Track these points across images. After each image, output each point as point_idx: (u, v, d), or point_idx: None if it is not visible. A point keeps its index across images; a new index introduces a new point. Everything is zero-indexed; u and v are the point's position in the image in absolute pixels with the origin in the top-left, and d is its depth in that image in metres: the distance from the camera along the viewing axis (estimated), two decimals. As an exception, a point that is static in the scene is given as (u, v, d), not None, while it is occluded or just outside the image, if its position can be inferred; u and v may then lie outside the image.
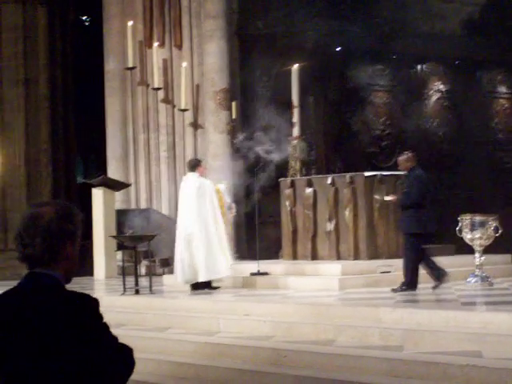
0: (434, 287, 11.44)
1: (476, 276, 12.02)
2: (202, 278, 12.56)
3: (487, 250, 12.30)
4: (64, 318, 2.86)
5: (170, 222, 16.52)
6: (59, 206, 3.04)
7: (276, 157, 15.01)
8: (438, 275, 11.44)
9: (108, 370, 2.93)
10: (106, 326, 2.97)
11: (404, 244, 11.83)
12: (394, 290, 11.35)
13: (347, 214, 13.72)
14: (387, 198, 12.59)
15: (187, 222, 12.63)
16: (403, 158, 11.91)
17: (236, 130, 18.06)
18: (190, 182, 12.77)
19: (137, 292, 12.76)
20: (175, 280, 12.93)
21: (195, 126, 18.73)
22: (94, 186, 17.42)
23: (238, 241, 17.62)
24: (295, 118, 15.48)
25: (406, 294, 11.17)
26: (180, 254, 12.68)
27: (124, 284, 12.86)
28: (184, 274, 12.62)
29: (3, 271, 17.23)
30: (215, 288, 12.66)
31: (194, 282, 12.64)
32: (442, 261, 13.84)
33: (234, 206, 14.78)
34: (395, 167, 12.71)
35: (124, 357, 3.02)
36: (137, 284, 12.83)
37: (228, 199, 13.26)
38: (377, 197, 13.76)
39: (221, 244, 12.62)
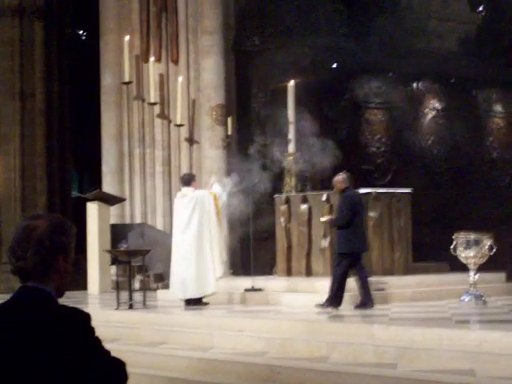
0: (357, 307, 11.43)
1: (470, 294, 12.01)
2: (190, 295, 12.58)
3: (481, 268, 12.30)
4: (56, 333, 2.85)
5: (165, 237, 16.49)
6: (52, 220, 3.03)
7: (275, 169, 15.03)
8: (367, 300, 11.42)
9: (101, 384, 2.92)
10: (98, 340, 2.96)
11: (334, 262, 11.89)
12: (319, 306, 11.35)
13: (342, 230, 13.70)
14: (322, 219, 12.59)
15: (184, 237, 12.63)
16: (337, 179, 11.82)
17: (232, 146, 18.07)
18: (187, 196, 12.74)
19: (131, 307, 12.73)
20: (172, 296, 12.90)
21: (191, 141, 18.73)
22: (89, 200, 17.39)
23: (233, 257, 17.59)
24: (291, 134, 15.47)
25: (398, 311, 11.17)
26: (176, 269, 12.70)
27: (118, 299, 12.82)
28: (180, 290, 12.63)
29: (-2, 285, 17.15)
30: (205, 304, 12.64)
31: (186, 297, 12.64)
32: (435, 278, 13.94)
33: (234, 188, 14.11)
34: (390, 184, 12.69)
35: (117, 371, 3.01)
36: (131, 299, 12.80)
37: (225, 197, 12.95)
38: (371, 214, 13.76)
39: (212, 257, 12.63)
